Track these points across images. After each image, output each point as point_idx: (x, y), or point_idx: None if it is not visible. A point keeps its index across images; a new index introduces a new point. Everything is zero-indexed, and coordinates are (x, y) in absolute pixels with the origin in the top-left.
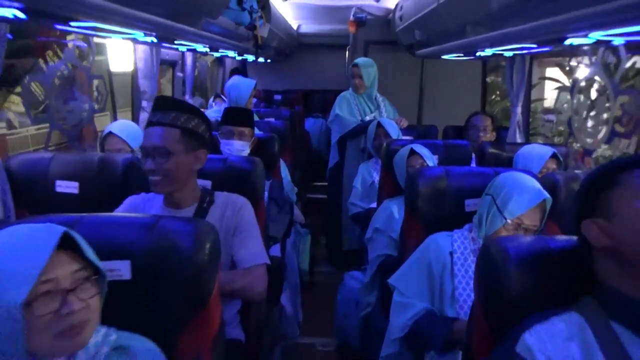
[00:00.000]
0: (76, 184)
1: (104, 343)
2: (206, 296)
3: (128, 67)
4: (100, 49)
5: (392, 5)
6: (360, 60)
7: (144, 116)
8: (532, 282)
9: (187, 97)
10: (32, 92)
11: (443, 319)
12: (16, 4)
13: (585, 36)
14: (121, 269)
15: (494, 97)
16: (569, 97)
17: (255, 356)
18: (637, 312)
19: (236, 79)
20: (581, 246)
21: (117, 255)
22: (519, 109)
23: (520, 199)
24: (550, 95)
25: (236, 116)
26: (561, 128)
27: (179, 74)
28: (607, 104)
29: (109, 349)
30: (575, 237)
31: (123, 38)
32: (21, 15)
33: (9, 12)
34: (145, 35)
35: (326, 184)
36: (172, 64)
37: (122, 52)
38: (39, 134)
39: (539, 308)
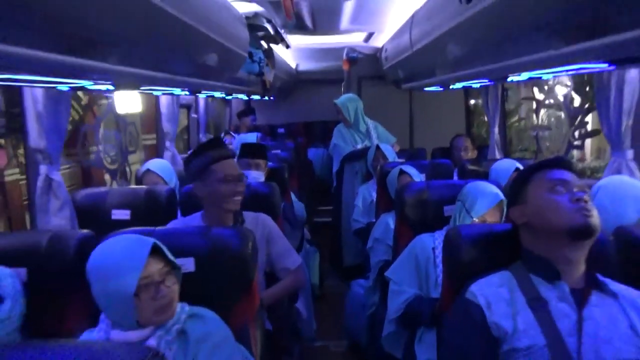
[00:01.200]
0: (128, 211)
1: (182, 312)
2: (250, 280)
3: (131, 110)
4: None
5: (379, 44)
6: (338, 99)
7: (167, 155)
8: (479, 254)
9: (201, 135)
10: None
11: (429, 300)
12: None
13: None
14: (187, 264)
15: (481, 118)
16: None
17: (280, 343)
18: (544, 265)
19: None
20: (511, 227)
21: (182, 254)
22: (496, 129)
23: (482, 201)
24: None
25: (252, 150)
26: (547, 143)
27: (194, 115)
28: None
29: (186, 316)
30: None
31: (162, 93)
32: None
33: None
34: (182, 90)
35: (329, 207)
36: (187, 107)
37: (126, 97)
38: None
39: (485, 272)
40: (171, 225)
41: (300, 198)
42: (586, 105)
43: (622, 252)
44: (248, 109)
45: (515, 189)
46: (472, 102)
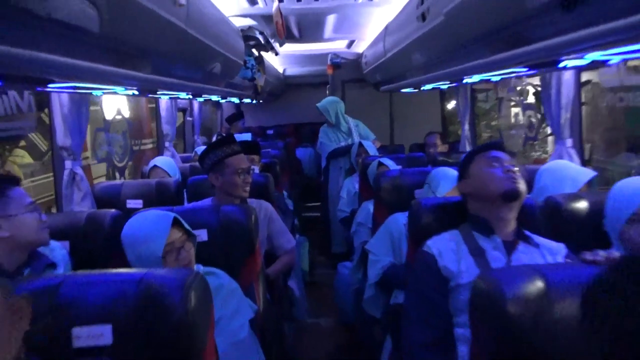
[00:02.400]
0: (141, 201)
1: (199, 271)
2: (253, 247)
3: (118, 116)
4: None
5: (360, 50)
6: (320, 103)
7: (167, 154)
8: (435, 220)
9: (196, 137)
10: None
11: (401, 267)
12: None
13: (470, 77)
14: (201, 235)
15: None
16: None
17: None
18: (483, 224)
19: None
20: (461, 198)
21: (197, 227)
22: (466, 126)
23: (445, 183)
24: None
25: (248, 147)
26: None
27: (189, 118)
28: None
29: (202, 273)
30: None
31: (170, 97)
32: None
33: None
34: (187, 94)
35: (317, 203)
36: (183, 110)
37: (114, 103)
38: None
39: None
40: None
41: (290, 193)
42: None
43: (549, 216)
44: (238, 113)
45: (463, 167)
46: (455, 102)
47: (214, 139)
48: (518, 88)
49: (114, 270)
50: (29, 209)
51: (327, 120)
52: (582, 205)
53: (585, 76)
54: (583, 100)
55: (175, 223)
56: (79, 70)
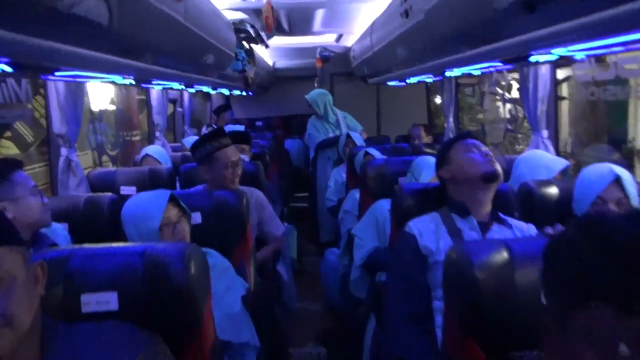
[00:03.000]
0: (134, 188)
1: None
2: (245, 229)
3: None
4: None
5: (349, 44)
6: (309, 95)
7: (157, 143)
8: (416, 204)
9: (186, 128)
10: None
11: (385, 250)
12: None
13: (451, 70)
14: (195, 218)
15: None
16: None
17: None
18: (460, 206)
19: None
20: (440, 184)
21: (191, 210)
22: (450, 119)
23: (427, 171)
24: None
25: (239, 137)
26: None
27: (179, 109)
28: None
29: None
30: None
31: (164, 88)
32: (8, 69)
33: None
34: (179, 84)
35: (305, 194)
36: (173, 101)
37: (101, 93)
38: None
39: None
40: None
41: (279, 184)
42: None
43: (522, 200)
44: (226, 104)
45: (442, 154)
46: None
47: (204, 130)
48: (503, 83)
49: (118, 244)
50: (32, 192)
51: (316, 113)
52: (553, 191)
53: (566, 72)
54: (565, 95)
55: (172, 200)
56: (84, 59)
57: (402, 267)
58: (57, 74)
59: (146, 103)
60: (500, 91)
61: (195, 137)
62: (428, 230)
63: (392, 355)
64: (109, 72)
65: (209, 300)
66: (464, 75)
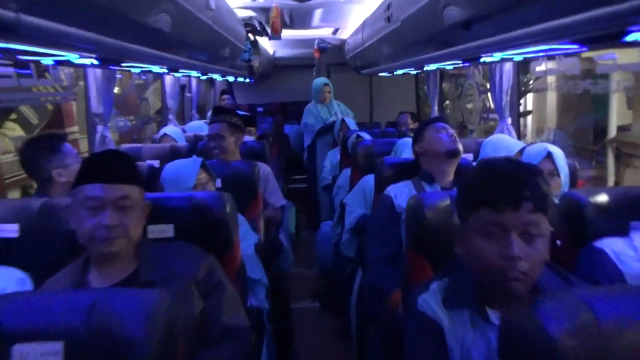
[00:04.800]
0: (158, 161)
1: None
2: (255, 193)
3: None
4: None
5: (344, 37)
6: (315, 81)
7: (170, 124)
8: (394, 173)
9: (193, 112)
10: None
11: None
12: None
13: (428, 65)
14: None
15: None
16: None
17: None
18: (428, 175)
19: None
20: (415, 157)
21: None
22: (435, 107)
23: (407, 150)
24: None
25: (247, 120)
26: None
27: (188, 94)
28: None
29: None
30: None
31: (183, 75)
32: (95, 62)
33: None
34: (198, 73)
35: (302, 176)
36: (182, 87)
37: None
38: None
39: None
40: None
41: (279, 163)
42: (523, 89)
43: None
44: (229, 89)
45: (417, 133)
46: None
47: (209, 114)
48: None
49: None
50: (78, 159)
51: (323, 98)
52: (604, 199)
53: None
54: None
55: (202, 166)
56: (144, 55)
57: (380, 221)
58: (123, 65)
59: (161, 89)
60: (475, 83)
61: (199, 122)
62: (402, 193)
63: (371, 287)
64: (154, 64)
65: (237, 231)
66: (447, 69)
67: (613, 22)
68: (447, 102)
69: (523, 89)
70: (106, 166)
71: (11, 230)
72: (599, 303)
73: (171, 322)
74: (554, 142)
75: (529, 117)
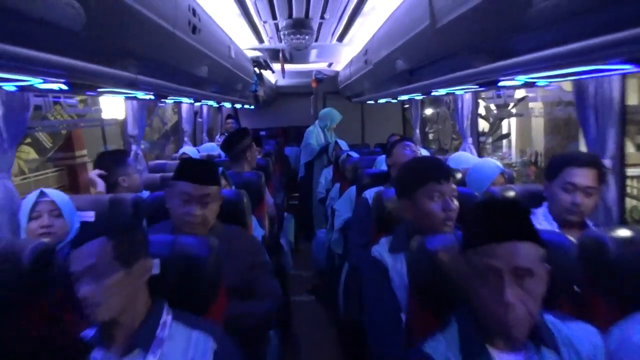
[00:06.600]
0: None
1: None
2: (261, 200)
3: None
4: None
5: (339, 69)
6: (325, 110)
7: (185, 147)
8: (372, 181)
9: (204, 135)
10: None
11: None
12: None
13: (400, 96)
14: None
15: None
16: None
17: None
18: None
19: None
20: (388, 168)
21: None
22: (417, 130)
23: (384, 164)
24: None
25: (256, 141)
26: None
27: (199, 120)
28: None
29: None
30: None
31: (201, 104)
32: (64, 87)
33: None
34: (214, 101)
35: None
36: (195, 113)
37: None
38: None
39: None
40: None
41: (281, 181)
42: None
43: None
44: (234, 114)
45: (389, 150)
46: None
47: (217, 138)
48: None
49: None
50: (136, 170)
51: (328, 126)
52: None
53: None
54: (536, 114)
55: (222, 175)
56: (188, 93)
57: (359, 216)
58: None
59: (178, 115)
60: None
61: (211, 144)
62: None
63: (350, 266)
64: (180, 96)
65: (249, 214)
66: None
67: None
68: (432, 125)
69: (499, 113)
70: (195, 170)
71: (89, 216)
72: None
73: (218, 258)
74: (535, 162)
75: (513, 139)
